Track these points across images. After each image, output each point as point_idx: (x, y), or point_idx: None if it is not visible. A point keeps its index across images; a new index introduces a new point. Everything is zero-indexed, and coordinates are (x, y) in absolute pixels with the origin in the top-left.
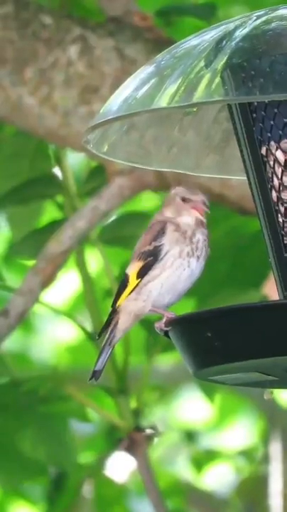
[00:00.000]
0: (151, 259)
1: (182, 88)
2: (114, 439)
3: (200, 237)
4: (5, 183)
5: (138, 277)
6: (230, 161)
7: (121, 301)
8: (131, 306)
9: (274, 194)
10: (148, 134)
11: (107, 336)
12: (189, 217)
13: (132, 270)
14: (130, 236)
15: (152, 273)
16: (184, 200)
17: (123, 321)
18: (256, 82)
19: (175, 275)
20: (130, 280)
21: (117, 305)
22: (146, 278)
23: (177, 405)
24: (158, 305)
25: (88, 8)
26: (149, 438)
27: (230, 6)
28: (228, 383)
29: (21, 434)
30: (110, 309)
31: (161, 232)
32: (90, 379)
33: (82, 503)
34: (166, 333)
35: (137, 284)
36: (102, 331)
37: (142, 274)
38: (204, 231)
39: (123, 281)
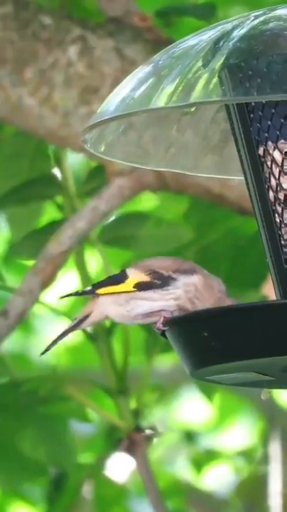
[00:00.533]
0: (159, 283)
1: (180, 88)
2: (113, 439)
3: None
4: (5, 183)
5: (135, 287)
6: (229, 161)
7: (104, 291)
8: (112, 306)
9: (271, 194)
10: (145, 134)
11: (77, 321)
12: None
13: (134, 276)
14: (130, 236)
15: (149, 293)
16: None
17: (96, 315)
18: (254, 83)
19: (167, 307)
20: (127, 283)
21: (98, 291)
22: (142, 294)
23: (177, 406)
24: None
25: (88, 9)
26: (149, 438)
27: (230, 6)
28: (225, 383)
29: (21, 435)
30: (90, 287)
31: (184, 272)
32: (41, 354)
33: (81, 503)
34: (163, 333)
35: (129, 292)
36: (68, 296)
37: (140, 288)
38: None
39: (118, 277)
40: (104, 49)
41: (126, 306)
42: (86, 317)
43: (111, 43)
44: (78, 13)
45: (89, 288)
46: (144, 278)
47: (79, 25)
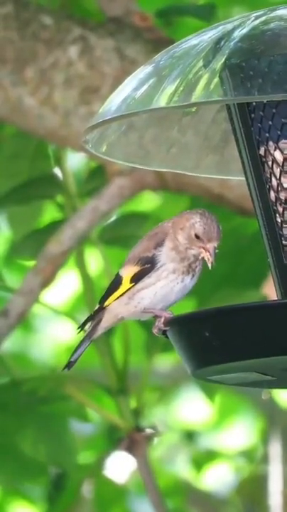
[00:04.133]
0: (149, 266)
1: (181, 88)
2: (114, 439)
3: (198, 265)
4: (5, 183)
5: (131, 281)
6: (229, 162)
7: (110, 301)
8: (121, 308)
9: (272, 194)
10: (147, 134)
11: (89, 330)
12: (196, 252)
13: (127, 273)
14: (130, 236)
15: (147, 280)
16: (197, 237)
17: (107, 319)
18: (255, 82)
19: (168, 287)
20: (123, 282)
21: (105, 304)
22: (140, 284)
23: (177, 405)
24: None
25: (88, 9)
26: (149, 438)
27: (230, 6)
28: (226, 383)
29: (21, 434)
30: (97, 305)
31: (161, 243)
32: (63, 369)
33: (82, 503)
34: (164, 333)
35: (129, 288)
36: (85, 323)
37: (136, 279)
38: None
39: (115, 281)
40: (105, 49)
41: (132, 302)
42: (98, 323)
43: (111, 43)
44: (78, 13)
45: (97, 307)
46: (135, 269)
47: (80, 25)
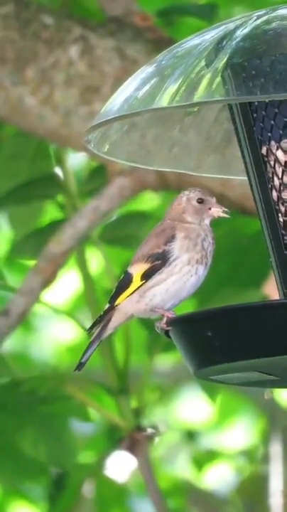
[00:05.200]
0: (159, 262)
1: (183, 88)
2: (114, 438)
3: (211, 240)
4: (5, 183)
5: (142, 279)
6: (231, 161)
7: (120, 300)
8: (131, 306)
9: (275, 194)
10: (149, 133)
11: (98, 330)
12: (208, 220)
13: (137, 271)
14: (131, 236)
15: (158, 277)
16: (200, 202)
17: (117, 319)
18: (257, 82)
19: (181, 281)
20: (133, 280)
21: (116, 303)
22: (151, 281)
23: (178, 405)
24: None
25: (89, 9)
26: (150, 438)
27: (231, 5)
28: (228, 383)
29: (22, 434)
30: (107, 305)
31: (172, 237)
32: (74, 370)
33: (82, 502)
34: (167, 333)
35: (140, 286)
36: (94, 324)
37: (147, 276)
38: (212, 233)
39: (124, 280)
40: (105, 48)
41: (143, 299)
42: (107, 323)
43: (112, 43)
44: (79, 13)
45: (107, 306)
46: (146, 266)
47: (80, 24)
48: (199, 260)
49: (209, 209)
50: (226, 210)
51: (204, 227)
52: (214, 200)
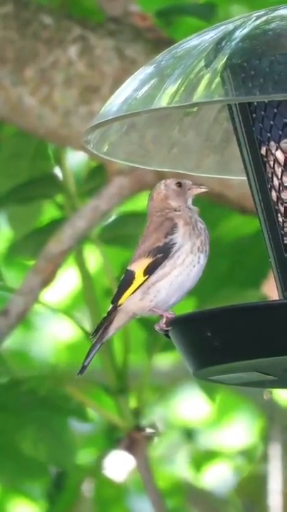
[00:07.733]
0: (161, 256)
1: (182, 88)
2: (113, 438)
3: (201, 225)
4: (5, 183)
5: (145, 274)
6: (230, 162)
7: (124, 299)
8: (134, 305)
9: (274, 194)
10: (148, 134)
11: (101, 332)
12: (190, 200)
13: (139, 267)
14: (130, 235)
15: (161, 271)
16: (179, 185)
17: (120, 319)
18: (256, 82)
19: (185, 273)
20: (136, 277)
21: (120, 302)
22: (154, 277)
23: (177, 404)
24: (163, 305)
25: (88, 9)
26: (149, 437)
27: (230, 5)
28: (228, 383)
29: (21, 434)
30: (110, 306)
31: (173, 228)
32: (77, 374)
33: (82, 502)
34: (166, 333)
35: (143, 282)
36: (99, 327)
37: (150, 271)
38: (202, 221)
39: (126, 278)
40: (105, 48)
41: (147, 296)
42: (110, 323)
43: (111, 43)
44: (78, 13)
45: (110, 307)
46: (147, 261)
47: (80, 24)
48: (200, 248)
49: (189, 189)
50: (203, 185)
51: (193, 209)
52: (190, 181)
